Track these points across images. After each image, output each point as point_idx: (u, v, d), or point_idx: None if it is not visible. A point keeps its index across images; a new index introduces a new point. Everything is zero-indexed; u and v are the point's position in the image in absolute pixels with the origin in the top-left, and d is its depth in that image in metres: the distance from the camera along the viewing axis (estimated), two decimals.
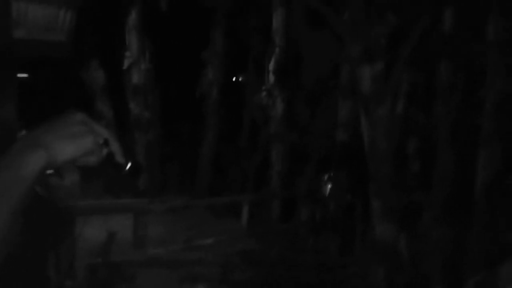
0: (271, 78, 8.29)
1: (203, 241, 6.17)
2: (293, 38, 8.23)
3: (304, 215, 7.57)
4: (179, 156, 9.81)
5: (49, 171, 0.66)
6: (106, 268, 4.60)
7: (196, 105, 9.45)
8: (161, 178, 9.11)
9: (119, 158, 0.68)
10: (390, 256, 3.92)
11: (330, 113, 7.71)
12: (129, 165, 0.68)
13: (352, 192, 7.14)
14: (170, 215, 6.72)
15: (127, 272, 4.65)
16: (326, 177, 8.39)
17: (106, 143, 0.68)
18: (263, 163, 8.84)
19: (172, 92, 9.23)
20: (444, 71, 4.22)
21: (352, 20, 3.74)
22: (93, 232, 4.82)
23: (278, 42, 8.14)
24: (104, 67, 8.49)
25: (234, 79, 10.76)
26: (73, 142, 0.64)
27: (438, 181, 4.38)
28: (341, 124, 7.28)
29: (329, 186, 8.03)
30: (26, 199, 0.61)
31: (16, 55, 2.28)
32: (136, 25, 8.37)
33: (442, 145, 4.36)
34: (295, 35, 8.21)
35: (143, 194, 8.32)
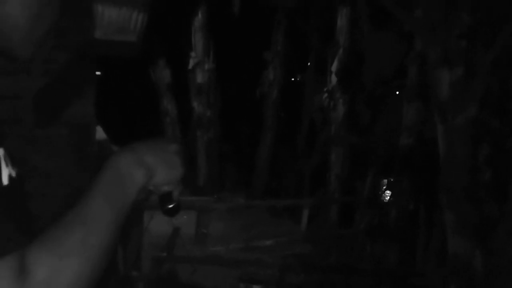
0: (333, 79, 8.12)
1: (262, 242, 6.18)
2: (356, 38, 8.01)
3: (363, 221, 7.35)
4: (237, 156, 9.90)
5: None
6: (170, 261, 4.71)
7: (255, 105, 9.48)
8: (219, 177, 9.23)
9: (176, 195, 0.70)
10: (464, 272, 3.67)
11: (393, 116, 7.43)
12: (174, 204, 0.70)
13: (415, 199, 6.85)
14: (230, 214, 6.79)
15: (189, 267, 4.74)
16: (386, 182, 8.12)
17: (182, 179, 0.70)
18: (320, 166, 8.70)
19: (233, 92, 9.33)
20: None
21: (429, 20, 3.53)
22: (159, 226, 4.95)
23: (342, 42, 7.95)
24: (171, 66, 8.76)
25: (293, 79, 10.68)
26: (169, 171, 0.67)
27: None
28: (405, 128, 6.99)
29: (390, 192, 7.76)
30: (126, 213, 0.63)
31: (95, 55, 2.34)
32: (202, 26, 8.55)
33: None
34: (359, 35, 7.99)
35: (201, 191, 8.50)
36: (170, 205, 0.70)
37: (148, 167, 0.65)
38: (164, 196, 0.70)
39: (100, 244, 0.58)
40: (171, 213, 0.71)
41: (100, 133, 2.76)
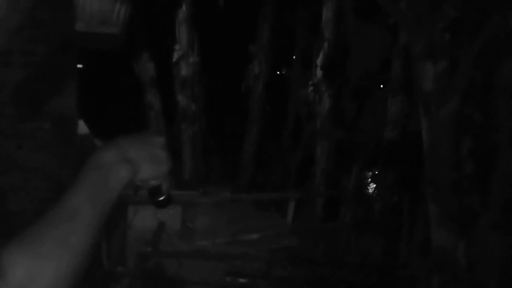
0: (319, 72, 8.13)
1: (248, 235, 6.19)
2: (342, 31, 8.02)
3: (349, 215, 7.41)
4: (222, 150, 9.87)
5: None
6: (156, 256, 4.68)
7: (241, 99, 9.44)
8: (204, 171, 9.19)
9: (165, 188, 0.70)
10: (447, 264, 3.73)
11: (378, 109, 7.49)
12: (164, 196, 0.70)
13: (399, 192, 6.93)
14: (216, 208, 6.77)
15: (175, 262, 4.72)
16: (371, 175, 8.19)
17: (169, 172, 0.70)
18: (306, 160, 8.73)
19: (218, 85, 9.28)
20: (508, 69, 3.97)
21: (414, 13, 3.54)
22: (143, 221, 4.91)
23: (327, 35, 7.96)
24: (154, 59, 8.65)
25: (278, 73, 10.66)
26: (154, 166, 0.66)
27: (497, 184, 4.15)
28: (390, 121, 7.05)
29: (374, 185, 7.84)
30: (110, 209, 0.61)
31: (76, 47, 2.28)
32: (186, 19, 8.45)
33: (503, 146, 4.12)
34: (344, 29, 8.00)
35: (186, 185, 8.46)
36: (160, 197, 0.69)
37: (133, 162, 0.63)
38: (152, 189, 0.69)
39: (81, 242, 0.56)
40: (162, 205, 0.70)
41: (82, 127, 2.70)
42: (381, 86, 8.08)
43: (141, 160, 0.64)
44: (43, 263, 0.53)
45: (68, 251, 0.55)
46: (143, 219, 4.93)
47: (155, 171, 0.66)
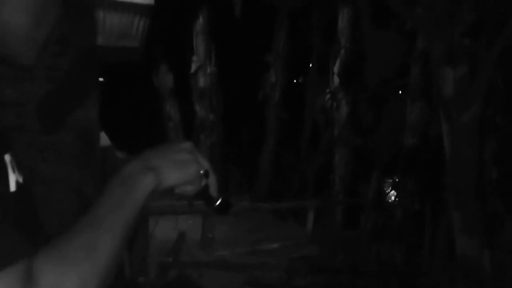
0: (335, 80, 8.10)
1: (268, 245, 6.17)
2: (358, 38, 8.00)
3: (369, 223, 7.32)
4: (240, 159, 9.89)
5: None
6: (176, 266, 4.71)
7: (258, 108, 9.48)
8: (223, 180, 9.22)
9: (213, 191, 0.69)
10: (472, 272, 3.64)
11: (396, 116, 7.40)
12: (220, 200, 0.68)
13: (421, 200, 6.82)
14: (235, 218, 6.77)
15: (195, 272, 4.74)
16: (391, 183, 8.09)
17: (206, 174, 0.68)
18: (324, 168, 8.67)
19: (235, 95, 9.34)
20: None
21: (433, 17, 3.51)
22: (164, 232, 4.95)
23: (344, 42, 7.94)
24: (173, 71, 8.77)
25: (295, 81, 10.66)
26: (180, 170, 0.66)
27: None
28: (409, 128, 6.96)
29: (395, 192, 7.73)
30: (135, 220, 0.62)
31: (98, 61, 2.33)
32: (203, 30, 8.55)
33: None
34: (360, 35, 7.97)
35: None
36: (214, 203, 0.68)
37: (156, 170, 0.64)
38: (200, 197, 0.68)
39: (108, 250, 0.58)
40: (220, 210, 0.69)
41: (104, 139, 2.75)
42: (399, 92, 8.00)
43: (164, 166, 0.65)
44: (71, 270, 0.55)
45: (94, 258, 0.57)
46: (163, 229, 4.97)
47: (183, 175, 0.66)
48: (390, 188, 8.16)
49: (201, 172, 0.68)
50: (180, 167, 0.66)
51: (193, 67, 8.61)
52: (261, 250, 5.99)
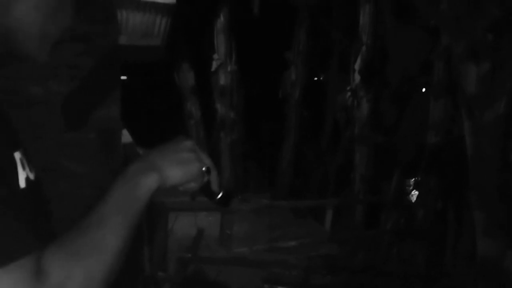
0: (357, 77, 8.02)
1: (287, 243, 6.16)
2: (379, 35, 7.89)
3: (390, 222, 7.23)
4: (260, 156, 9.91)
5: None
6: (195, 262, 4.76)
7: (278, 105, 9.47)
8: (243, 178, 9.25)
9: (215, 187, 0.71)
10: (494, 273, 3.57)
11: (419, 113, 7.28)
12: (221, 194, 0.71)
13: (443, 199, 6.69)
14: (254, 215, 6.80)
15: (213, 268, 4.78)
16: (413, 182, 7.96)
17: (208, 171, 0.70)
18: (345, 166, 8.60)
19: (256, 92, 9.35)
20: None
21: (455, 13, 3.44)
22: (183, 228, 5.00)
23: (365, 39, 7.85)
24: (194, 69, 8.85)
25: (315, 78, 10.60)
26: (183, 169, 0.68)
27: None
28: (432, 126, 6.83)
29: (416, 191, 7.61)
30: (139, 218, 0.64)
31: (120, 60, 2.38)
32: (223, 28, 8.59)
33: None
34: (382, 32, 7.86)
35: None
36: (216, 197, 0.71)
37: (159, 169, 0.66)
38: (204, 192, 0.71)
39: (112, 248, 0.60)
40: (222, 203, 0.71)
41: (126, 137, 2.81)
42: (423, 89, 7.86)
43: (167, 165, 0.67)
44: (79, 265, 0.57)
45: (99, 255, 0.59)
46: (183, 225, 5.03)
47: (186, 174, 0.68)
48: (412, 187, 8.04)
49: (203, 169, 0.70)
50: (183, 166, 0.68)
51: (214, 65, 8.65)
52: (280, 247, 5.98)
